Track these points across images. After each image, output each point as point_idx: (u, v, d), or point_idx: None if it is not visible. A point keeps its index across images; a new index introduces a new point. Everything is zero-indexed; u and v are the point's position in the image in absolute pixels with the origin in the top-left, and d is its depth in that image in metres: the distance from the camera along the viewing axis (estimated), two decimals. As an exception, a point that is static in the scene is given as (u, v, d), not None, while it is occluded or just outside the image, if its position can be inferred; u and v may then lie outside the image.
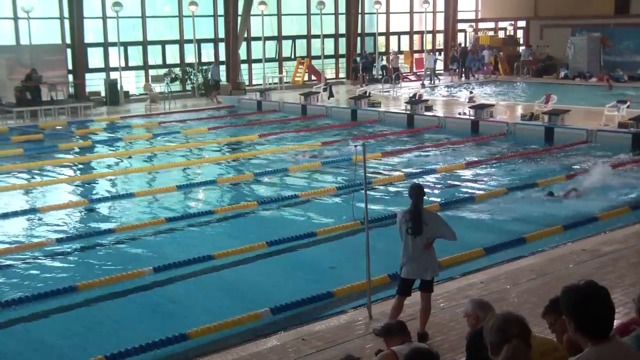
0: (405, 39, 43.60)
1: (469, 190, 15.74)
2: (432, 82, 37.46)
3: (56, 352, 8.34)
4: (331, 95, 30.88)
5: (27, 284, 10.54)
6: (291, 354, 7.78)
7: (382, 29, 42.08)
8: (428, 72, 38.34)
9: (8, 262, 11.50)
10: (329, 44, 39.54)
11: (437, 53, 41.03)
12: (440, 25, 44.57)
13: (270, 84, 36.42)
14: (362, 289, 9.19)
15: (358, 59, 38.34)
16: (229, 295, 10.07)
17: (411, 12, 43.22)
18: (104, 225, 13.42)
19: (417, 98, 27.55)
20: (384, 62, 39.10)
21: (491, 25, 46.97)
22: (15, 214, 14.30)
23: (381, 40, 42.21)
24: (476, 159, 19.23)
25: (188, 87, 34.82)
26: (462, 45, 43.01)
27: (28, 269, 11.24)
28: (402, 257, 8.01)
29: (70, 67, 31.18)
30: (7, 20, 30.15)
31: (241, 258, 11.42)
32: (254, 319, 8.89)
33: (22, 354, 8.36)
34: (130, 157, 20.31)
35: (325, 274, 10.83)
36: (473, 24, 46.11)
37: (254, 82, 37.30)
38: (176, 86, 34.15)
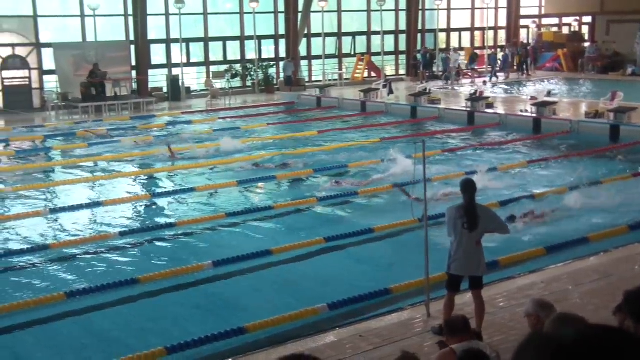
0: (466, 35, 43.13)
1: (530, 188, 15.48)
2: (491, 79, 36.91)
3: (118, 342, 8.49)
4: (391, 92, 30.73)
5: (90, 275, 10.77)
6: (348, 350, 7.77)
7: (443, 25, 41.72)
8: (489, 69, 37.84)
9: (73, 254, 11.77)
10: (389, 40, 39.36)
11: (500, 50, 40.39)
12: (503, 22, 43.96)
13: (329, 80, 36.46)
14: (420, 287, 9.13)
15: (418, 55, 38.06)
16: (287, 291, 10.11)
17: (473, 8, 42.74)
18: (165, 219, 13.63)
19: (477, 95, 27.22)
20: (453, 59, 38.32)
21: (555, 21, 46.11)
22: (80, 207, 14.63)
23: (442, 36, 41.85)
24: (537, 157, 18.91)
25: (248, 84, 35.09)
26: (524, 41, 42.35)
27: (91, 261, 11.48)
28: (454, 253, 7.94)
29: (133, 63, 31.75)
30: (74, 17, 30.84)
31: (299, 253, 11.46)
32: (312, 314, 8.90)
33: (86, 343, 8.54)
34: (190, 152, 20.54)
35: (383, 271, 10.80)
36: (536, 19, 45.34)
37: (313, 79, 37.38)
38: (236, 82, 34.45)
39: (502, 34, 44.30)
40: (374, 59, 38.38)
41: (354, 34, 39.02)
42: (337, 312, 9.07)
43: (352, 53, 38.96)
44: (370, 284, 9.88)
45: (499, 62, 38.06)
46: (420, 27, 40.33)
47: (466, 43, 42.84)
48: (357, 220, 13.30)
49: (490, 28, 42.96)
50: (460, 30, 42.88)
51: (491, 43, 42.82)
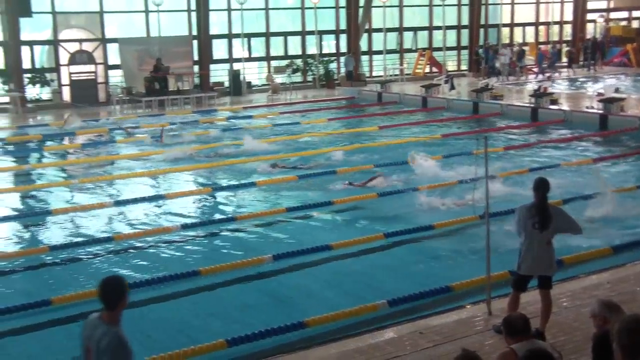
0: (530, 30, 42.39)
1: (595, 186, 15.10)
2: (552, 75, 36.10)
3: (179, 333, 8.57)
4: (452, 87, 30.44)
5: (152, 267, 10.92)
6: (408, 347, 7.70)
7: (507, 20, 41.07)
8: (552, 65, 37.06)
9: (135, 246, 11.96)
10: (451, 35, 38.96)
11: (564, 45, 39.55)
12: (569, 16, 43.04)
13: (390, 75, 36.28)
14: (481, 284, 9.00)
15: (480, 50, 37.56)
16: (347, 286, 10.07)
17: (537, 2, 41.97)
18: (226, 213, 13.71)
19: (541, 91, 26.73)
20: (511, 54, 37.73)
21: (624, 14, 44.93)
22: (143, 199, 14.86)
23: (505, 31, 41.22)
24: (604, 154, 18.47)
25: (309, 78, 35.16)
26: (592, 36, 41.40)
27: (154, 253, 11.65)
28: (525, 253, 7.78)
29: (196, 58, 32.12)
30: (138, 13, 31.36)
31: (359, 249, 11.42)
32: (371, 310, 8.86)
33: (149, 334, 8.65)
34: (251, 146, 20.67)
35: (443, 268, 10.68)
36: (604, 13, 44.25)
37: (374, 74, 37.25)
38: (297, 77, 34.58)
39: (567, 29, 43.39)
40: (435, 54, 38.05)
41: (415, 29, 38.74)
42: (396, 308, 9.00)
43: (414, 48, 38.69)
44: (431, 280, 9.78)
45: (549, 59, 37.12)
46: (483, 22, 39.79)
47: (530, 38, 42.11)
48: (418, 216, 13.17)
49: (555, 22, 42.13)
50: (524, 25, 42.17)
51: (556, 38, 41.99)
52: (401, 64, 37.70)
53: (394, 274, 10.46)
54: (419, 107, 28.18)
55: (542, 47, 39.89)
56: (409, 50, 38.59)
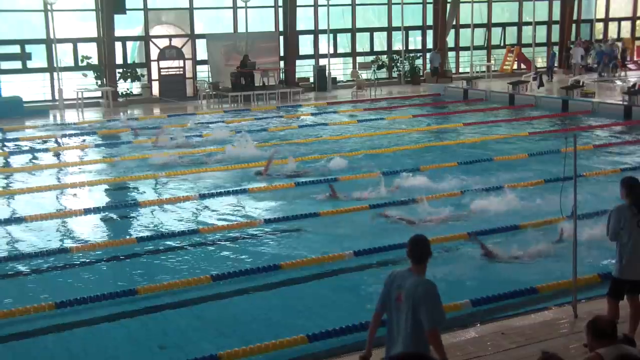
0: (626, 25, 40.98)
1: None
2: (601, 74, 34.50)
3: (260, 327, 8.64)
4: (541, 84, 29.75)
5: (234, 260, 11.04)
6: (489, 347, 7.56)
7: (601, 15, 39.83)
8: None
9: (219, 239, 12.13)
10: (541, 31, 38.04)
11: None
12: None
13: (477, 72, 35.73)
14: (567, 287, 8.75)
15: (572, 47, 36.53)
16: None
17: (634, -4, 40.57)
18: (309, 209, 13.71)
19: (636, 88, 25.81)
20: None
21: None
22: (227, 193, 15.06)
23: (598, 26, 40.00)
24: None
25: (394, 74, 34.99)
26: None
27: (236, 247, 11.78)
28: (624, 255, 7.43)
29: (282, 53, 32.40)
30: (227, 9, 31.85)
31: (444, 247, 11.27)
32: (454, 309, 8.72)
33: (228, 326, 8.76)
34: (334, 142, 20.71)
35: (528, 269, 10.42)
36: None
37: (460, 70, 36.78)
38: (382, 73, 34.45)
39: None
40: (524, 50, 37.25)
41: (504, 25, 38.06)
42: (479, 308, 8.85)
43: (502, 44, 38.01)
44: (516, 281, 9.58)
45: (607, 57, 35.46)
46: (575, 17, 38.69)
47: (625, 33, 40.74)
48: (504, 215, 12.89)
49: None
50: (619, 19, 40.81)
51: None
52: (488, 61, 37.07)
53: (478, 274, 10.27)
54: (506, 104, 27.64)
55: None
56: (497, 47, 37.92)
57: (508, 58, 37.50)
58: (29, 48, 28.69)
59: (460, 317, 8.64)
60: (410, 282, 5.62)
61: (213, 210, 14.04)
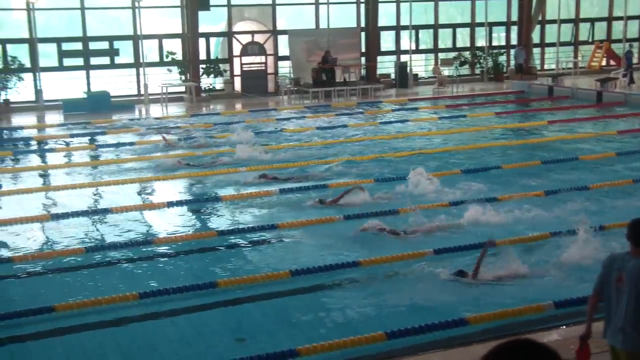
0: None
1: None
2: (629, 82, 32.72)
3: (340, 322, 8.61)
4: (632, 81, 28.77)
5: (314, 256, 11.02)
6: (572, 350, 7.32)
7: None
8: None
9: (297, 234, 12.13)
10: (633, 26, 36.80)
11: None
12: None
13: (563, 69, 34.87)
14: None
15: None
16: (511, 284, 9.70)
17: None
18: (388, 206, 13.58)
19: None
20: None
21: None
22: (307, 188, 15.08)
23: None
24: None
25: (477, 71, 34.48)
26: None
27: (316, 243, 11.77)
28: None
29: (363, 50, 32.33)
30: (309, 5, 31.97)
31: (526, 246, 11.01)
32: (535, 310, 8.52)
33: (307, 320, 8.76)
34: (416, 139, 20.54)
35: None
36: None
37: (545, 67, 35.95)
38: (465, 70, 33.99)
39: None
40: (614, 46, 36.11)
41: (592, 20, 36.98)
42: (563, 310, 8.60)
43: (590, 40, 36.96)
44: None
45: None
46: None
47: None
48: (589, 215, 12.49)
49: None
50: None
51: None
52: (575, 57, 36.12)
53: (563, 275, 9.95)
54: (593, 102, 26.86)
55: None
56: (585, 42, 36.90)
57: (596, 54, 36.43)
58: (116, 44, 29.51)
59: (543, 319, 8.44)
60: (633, 264, 5.74)
61: (289, 206, 14.02)
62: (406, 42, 33.00)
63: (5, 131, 23.61)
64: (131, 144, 20.45)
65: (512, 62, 34.40)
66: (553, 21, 34.78)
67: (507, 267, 9.89)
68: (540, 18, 35.24)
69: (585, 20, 36.80)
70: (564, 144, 19.23)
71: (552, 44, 35.09)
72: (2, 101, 26.53)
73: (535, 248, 11.03)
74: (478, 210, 12.39)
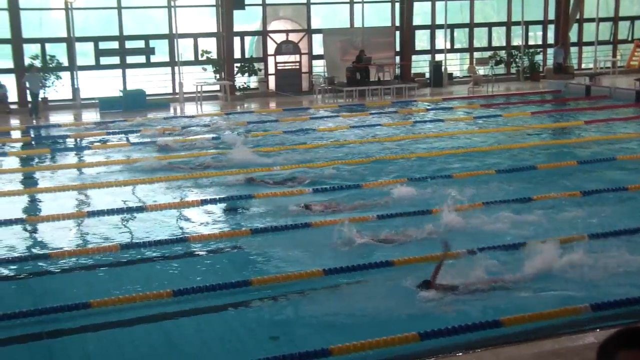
0: None
1: None
2: None
3: (373, 321, 8.58)
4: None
5: (345, 255, 10.99)
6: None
7: None
8: None
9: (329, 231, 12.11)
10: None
11: None
12: None
13: (601, 68, 34.40)
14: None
15: None
16: (546, 286, 9.58)
17: None
18: (423, 205, 13.50)
19: None
20: None
21: None
22: (341, 188, 15.05)
23: None
24: None
25: (512, 70, 34.17)
26: None
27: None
28: None
29: (397, 49, 32.22)
30: (343, 4, 31.94)
31: (562, 249, 10.85)
32: (572, 313, 8.40)
33: (338, 319, 8.73)
34: (450, 138, 20.41)
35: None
36: None
37: (583, 66, 35.51)
38: (500, 69, 33.71)
39: None
40: (654, 45, 35.60)
41: (632, 18, 36.42)
42: (600, 313, 8.47)
43: (629, 39, 36.41)
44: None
45: None
46: None
47: None
48: (624, 217, 12.31)
49: None
50: None
51: None
52: (614, 56, 35.61)
53: (600, 277, 9.78)
54: (632, 102, 26.45)
55: None
56: (624, 41, 36.36)
57: (636, 53, 35.89)
58: (152, 43, 29.77)
59: (579, 321, 8.32)
60: None
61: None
62: (441, 41, 32.82)
63: (42, 129, 23.98)
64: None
65: (550, 62, 34.03)
66: (591, 19, 34.34)
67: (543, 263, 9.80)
68: (577, 17, 34.80)
69: (624, 18, 36.26)
70: (601, 143, 18.95)
71: (590, 43, 34.65)
72: (40, 99, 26.91)
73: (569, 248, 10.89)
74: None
